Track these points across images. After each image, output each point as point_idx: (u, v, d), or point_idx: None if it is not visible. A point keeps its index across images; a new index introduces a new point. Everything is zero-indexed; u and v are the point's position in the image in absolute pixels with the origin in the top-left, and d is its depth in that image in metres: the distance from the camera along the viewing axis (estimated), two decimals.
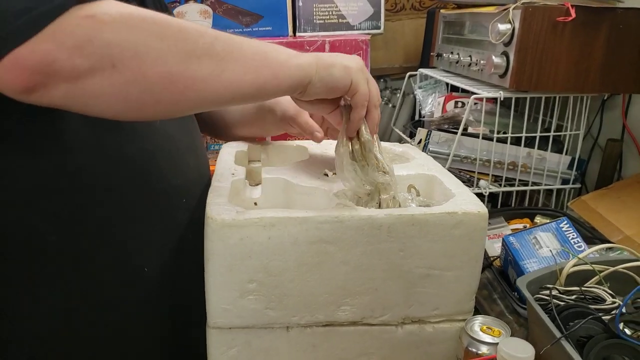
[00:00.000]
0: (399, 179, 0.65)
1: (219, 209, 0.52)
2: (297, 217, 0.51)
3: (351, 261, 0.53)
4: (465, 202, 0.55)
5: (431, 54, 1.12)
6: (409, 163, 0.70)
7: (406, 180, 0.65)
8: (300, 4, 1.19)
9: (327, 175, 0.66)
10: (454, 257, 0.54)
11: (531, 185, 0.87)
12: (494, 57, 0.80)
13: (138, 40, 0.39)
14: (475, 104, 0.90)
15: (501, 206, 0.88)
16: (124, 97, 0.40)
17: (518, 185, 0.87)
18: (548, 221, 0.77)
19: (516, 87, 0.77)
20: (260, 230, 0.51)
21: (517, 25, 0.76)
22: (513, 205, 0.87)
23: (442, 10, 1.04)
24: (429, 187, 0.65)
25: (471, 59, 0.92)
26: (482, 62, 0.85)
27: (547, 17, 0.75)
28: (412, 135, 1.08)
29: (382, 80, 1.49)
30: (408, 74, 1.17)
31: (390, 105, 1.45)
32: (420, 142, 0.84)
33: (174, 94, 0.42)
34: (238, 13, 1.16)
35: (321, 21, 1.20)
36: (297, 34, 1.19)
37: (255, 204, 0.64)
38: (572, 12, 0.73)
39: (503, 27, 0.77)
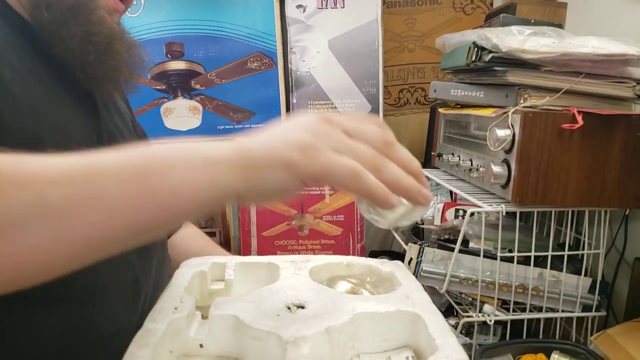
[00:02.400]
0: (376, 316, 0.54)
1: None
2: None
3: None
4: None
5: (432, 153, 1.04)
6: (392, 294, 0.59)
7: (385, 318, 0.53)
8: (295, 100, 1.14)
9: (289, 309, 0.55)
10: None
11: (545, 312, 0.74)
12: (493, 166, 0.71)
13: (16, 210, 0.30)
14: (478, 213, 0.80)
15: (511, 337, 0.75)
16: (16, 276, 0.31)
17: (530, 312, 0.74)
18: None
19: (519, 201, 0.67)
20: None
21: (517, 131, 0.68)
22: (525, 335, 0.73)
23: (440, 110, 0.98)
24: (411, 328, 0.53)
25: (471, 164, 0.84)
26: (482, 169, 0.76)
27: (550, 123, 0.67)
28: (417, 237, 0.98)
29: None
30: None
31: None
32: (411, 260, 0.73)
33: (45, 266, 0.32)
34: (229, 109, 1.12)
35: None
36: None
37: (201, 346, 0.53)
38: (579, 119, 0.64)
39: (502, 133, 0.69)
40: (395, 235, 1.04)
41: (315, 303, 0.56)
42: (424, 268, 0.72)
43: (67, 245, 0.32)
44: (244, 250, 1.08)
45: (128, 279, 0.55)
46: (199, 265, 0.66)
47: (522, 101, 0.71)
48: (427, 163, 1.21)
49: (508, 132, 0.69)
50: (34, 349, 0.46)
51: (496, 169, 0.70)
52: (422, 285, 0.62)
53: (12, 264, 0.30)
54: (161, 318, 0.51)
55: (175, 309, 0.54)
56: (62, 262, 0.33)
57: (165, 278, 0.62)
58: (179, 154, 0.35)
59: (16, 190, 0.29)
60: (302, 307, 0.56)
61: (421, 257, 0.72)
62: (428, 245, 0.76)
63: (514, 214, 0.74)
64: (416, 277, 0.73)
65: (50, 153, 0.32)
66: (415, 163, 0.40)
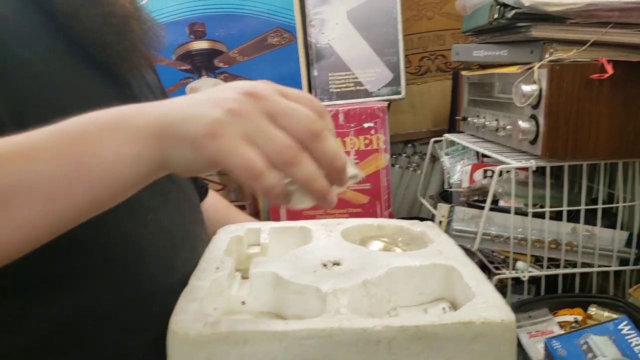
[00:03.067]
0: (411, 270, 0.55)
1: (184, 319, 0.44)
2: (274, 332, 0.42)
3: None
4: (486, 306, 0.44)
5: (456, 117, 1.03)
6: (425, 250, 0.60)
7: (419, 272, 0.55)
8: (316, 73, 1.15)
9: (325, 266, 0.57)
10: None
11: (581, 267, 0.74)
12: (520, 122, 0.70)
13: None
14: (507, 172, 0.80)
15: (546, 293, 0.75)
16: None
17: (564, 267, 0.74)
18: (605, 316, 0.64)
19: (549, 155, 0.67)
20: (231, 348, 0.42)
21: (544, 85, 0.67)
22: (560, 291, 0.73)
23: (463, 72, 0.97)
24: (446, 281, 0.54)
25: (498, 123, 0.83)
26: (508, 127, 0.76)
27: (578, 75, 0.66)
28: (446, 200, 0.98)
29: (410, 145, 1.40)
30: (432, 139, 1.08)
31: (419, 172, 1.35)
32: (441, 222, 0.74)
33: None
34: None
35: (337, 90, 1.15)
36: None
37: (244, 303, 0.55)
38: (609, 68, 0.63)
39: (528, 88, 0.68)
40: (423, 201, 1.04)
41: (349, 260, 0.58)
42: (454, 227, 0.73)
43: (12, 233, 0.32)
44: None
45: (165, 242, 0.57)
46: (235, 231, 0.68)
47: (547, 56, 0.70)
48: (452, 128, 1.21)
49: (534, 87, 0.68)
50: (83, 310, 0.48)
51: (524, 125, 0.70)
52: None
53: None
54: (205, 277, 0.53)
55: (217, 268, 0.56)
56: (8, 251, 0.33)
57: (199, 241, 0.64)
58: (106, 127, 0.35)
59: None
60: (338, 264, 0.58)
61: (451, 216, 0.73)
62: (457, 205, 0.76)
63: (544, 170, 0.74)
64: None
65: None
66: (340, 159, 0.36)
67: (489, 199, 0.70)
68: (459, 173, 0.97)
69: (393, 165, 1.37)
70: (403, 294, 0.55)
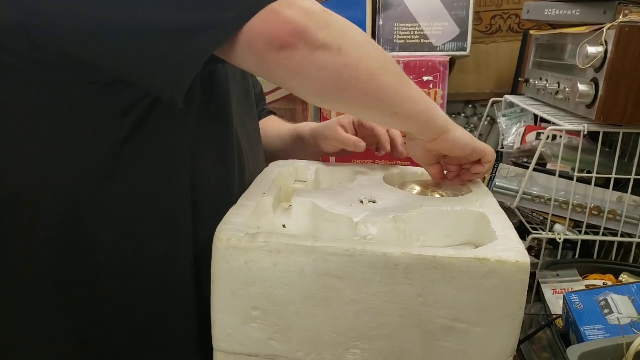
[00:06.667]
0: (443, 213, 0.58)
1: (229, 228, 0.50)
2: (304, 246, 0.47)
3: (363, 301, 0.47)
4: (504, 248, 0.47)
5: (519, 79, 1.01)
6: (460, 198, 0.62)
7: (450, 216, 0.57)
8: (381, 22, 1.15)
9: (362, 202, 0.61)
10: (485, 312, 0.46)
11: (621, 237, 0.73)
12: (579, 85, 0.69)
13: (356, 37, 0.49)
14: (560, 137, 0.79)
15: (581, 257, 0.75)
16: (338, 76, 0.47)
17: (604, 235, 0.73)
18: (635, 281, 0.64)
19: (604, 119, 0.66)
20: (266, 256, 0.47)
21: (610, 48, 0.65)
22: (596, 257, 0.73)
23: (532, 32, 0.94)
24: (475, 227, 0.57)
25: (559, 86, 0.81)
26: (567, 90, 0.74)
27: None
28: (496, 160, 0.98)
29: (470, 106, 1.39)
30: (492, 100, 1.07)
31: (476, 134, 1.34)
32: (486, 175, 0.75)
33: (370, 88, 0.49)
34: None
35: (402, 41, 1.15)
36: None
37: (284, 226, 0.61)
38: None
39: (593, 49, 0.67)
40: None
41: (386, 199, 0.61)
42: (497, 183, 0.74)
43: (399, 95, 0.53)
44: None
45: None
46: (285, 166, 0.73)
47: (621, 17, 0.67)
48: (514, 90, 1.18)
49: (600, 49, 0.66)
50: None
51: (582, 87, 0.68)
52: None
53: None
54: (252, 198, 0.59)
55: (264, 193, 0.61)
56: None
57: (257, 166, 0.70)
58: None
59: (390, 59, 0.53)
60: (374, 202, 0.62)
61: (495, 172, 0.74)
62: (507, 163, 0.77)
63: (597, 137, 0.72)
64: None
65: None
66: None
67: (535, 159, 0.70)
68: (513, 135, 0.96)
69: None
70: (432, 235, 0.58)
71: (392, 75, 0.51)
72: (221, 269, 0.48)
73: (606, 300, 0.53)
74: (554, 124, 0.72)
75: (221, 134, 0.60)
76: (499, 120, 1.03)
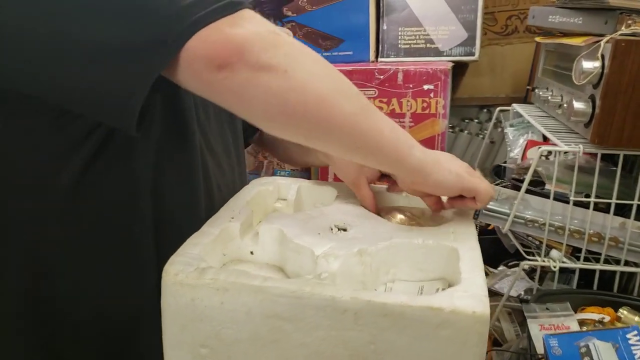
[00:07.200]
0: (413, 247, 0.54)
1: (180, 261, 0.48)
2: (251, 285, 0.45)
3: (312, 345, 0.45)
4: (464, 295, 0.43)
5: (527, 87, 0.95)
6: (438, 228, 0.58)
7: (421, 250, 0.54)
8: (385, 27, 1.11)
9: (332, 229, 0.58)
10: None
11: (623, 265, 0.68)
12: (575, 102, 0.64)
13: (307, 61, 0.46)
14: (550, 152, 0.74)
15: (583, 287, 0.70)
16: (283, 100, 0.44)
17: (604, 263, 0.68)
18: (635, 321, 0.60)
19: (599, 141, 0.61)
20: (213, 294, 0.46)
21: (607, 63, 0.60)
22: (595, 288, 0.68)
23: (537, 39, 0.88)
24: (447, 262, 0.53)
25: (561, 99, 0.76)
26: (565, 105, 0.69)
27: None
28: (498, 175, 0.93)
29: (485, 110, 1.33)
30: (498, 108, 1.01)
31: (488, 141, 1.28)
32: None
33: (319, 114, 0.46)
34: (318, 37, 1.12)
35: (406, 46, 1.11)
36: (380, 59, 1.12)
37: (252, 253, 0.59)
38: None
39: (588, 65, 0.61)
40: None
41: (357, 227, 0.59)
42: (487, 206, 0.69)
43: (356, 125, 0.49)
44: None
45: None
46: (266, 184, 0.71)
47: (623, 28, 0.62)
48: (527, 97, 1.12)
49: (597, 63, 0.61)
50: None
51: (578, 104, 0.63)
52: (481, 222, 0.60)
53: None
54: (217, 224, 0.57)
55: (232, 218, 0.59)
56: None
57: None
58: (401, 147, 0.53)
59: (349, 83, 0.49)
60: (344, 230, 0.59)
61: None
62: (498, 184, 0.72)
63: (603, 155, 0.67)
64: (477, 214, 0.71)
65: None
66: None
67: (526, 180, 0.66)
68: (519, 148, 0.91)
69: (462, 131, 1.31)
70: (404, 268, 0.55)
71: (350, 104, 0.47)
72: (169, 304, 0.47)
73: (587, 346, 0.49)
74: (552, 142, 0.67)
75: (185, 155, 0.58)
76: (505, 131, 0.98)
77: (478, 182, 0.56)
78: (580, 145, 0.63)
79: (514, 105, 0.97)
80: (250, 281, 0.45)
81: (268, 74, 0.43)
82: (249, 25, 0.43)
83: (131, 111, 0.44)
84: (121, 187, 0.54)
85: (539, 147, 0.78)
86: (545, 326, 0.60)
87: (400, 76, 0.98)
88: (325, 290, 0.44)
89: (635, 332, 0.49)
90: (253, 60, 0.43)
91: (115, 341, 0.57)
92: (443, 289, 0.53)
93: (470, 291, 0.44)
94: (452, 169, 0.55)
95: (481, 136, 1.29)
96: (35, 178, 0.52)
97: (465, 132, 1.30)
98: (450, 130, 1.30)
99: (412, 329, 0.42)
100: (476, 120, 1.31)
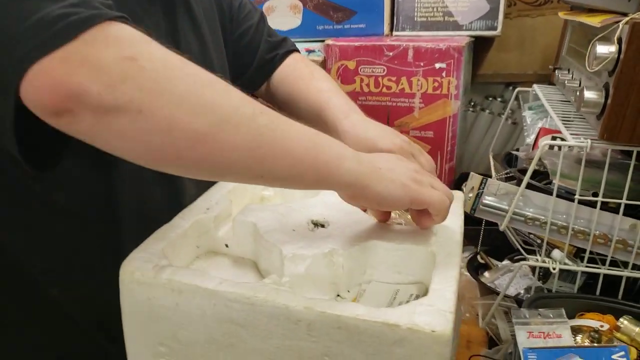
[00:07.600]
0: (389, 249, 0.51)
1: (140, 257, 0.47)
2: (205, 289, 0.43)
3: (266, 352, 0.43)
4: (427, 310, 0.40)
5: (549, 67, 0.88)
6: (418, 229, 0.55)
7: (398, 252, 0.51)
8: None
9: (309, 226, 0.56)
10: None
11: (631, 270, 0.62)
12: (585, 91, 0.57)
13: (173, 93, 0.37)
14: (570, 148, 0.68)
15: (581, 291, 0.65)
16: (146, 144, 0.38)
17: (609, 267, 0.63)
18: (635, 333, 0.55)
19: (608, 137, 0.55)
20: (168, 294, 0.44)
21: (624, 47, 0.53)
22: (598, 293, 0.63)
23: (560, 13, 0.80)
24: (423, 266, 0.50)
25: (579, 84, 0.69)
26: (578, 92, 0.62)
27: None
28: (509, 164, 0.87)
29: (510, 88, 1.24)
30: (517, 88, 0.94)
31: (509, 122, 1.20)
32: (472, 190, 0.66)
33: (198, 154, 0.39)
34: (330, 8, 1.07)
35: (423, 19, 1.04)
36: (394, 33, 1.05)
37: (227, 245, 0.57)
38: None
39: (603, 49, 0.55)
40: (490, 158, 0.94)
41: (336, 225, 0.56)
42: (483, 201, 0.65)
43: (246, 156, 0.41)
44: None
45: None
46: None
47: None
48: (551, 78, 1.04)
49: (612, 48, 0.54)
50: None
51: (588, 94, 0.57)
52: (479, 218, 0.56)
53: None
54: (190, 216, 0.56)
55: (208, 209, 0.58)
56: None
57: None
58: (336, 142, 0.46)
59: (241, 104, 0.41)
60: (322, 226, 0.56)
61: (482, 188, 0.65)
62: (500, 175, 0.67)
63: (619, 150, 0.61)
64: (474, 210, 0.66)
65: None
66: None
67: (527, 175, 0.60)
68: (534, 134, 0.85)
69: (483, 110, 1.24)
70: (381, 269, 0.53)
71: (240, 133, 0.39)
72: (127, 302, 0.46)
73: None
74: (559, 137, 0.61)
75: None
76: (523, 114, 0.91)
77: (427, 192, 0.47)
78: (589, 140, 0.57)
79: (535, 86, 0.89)
80: (205, 284, 0.43)
81: (117, 116, 0.36)
82: (92, 56, 0.35)
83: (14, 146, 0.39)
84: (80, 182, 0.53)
85: (553, 136, 0.72)
86: (535, 334, 0.56)
87: (410, 53, 0.92)
88: (279, 298, 0.42)
89: (623, 352, 0.45)
90: (94, 104, 0.35)
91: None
92: (417, 296, 0.50)
93: (435, 305, 0.41)
94: (395, 178, 0.46)
95: (504, 115, 1.22)
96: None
97: (487, 111, 1.23)
98: (471, 109, 1.23)
99: (367, 345, 0.40)
100: (499, 99, 1.23)
